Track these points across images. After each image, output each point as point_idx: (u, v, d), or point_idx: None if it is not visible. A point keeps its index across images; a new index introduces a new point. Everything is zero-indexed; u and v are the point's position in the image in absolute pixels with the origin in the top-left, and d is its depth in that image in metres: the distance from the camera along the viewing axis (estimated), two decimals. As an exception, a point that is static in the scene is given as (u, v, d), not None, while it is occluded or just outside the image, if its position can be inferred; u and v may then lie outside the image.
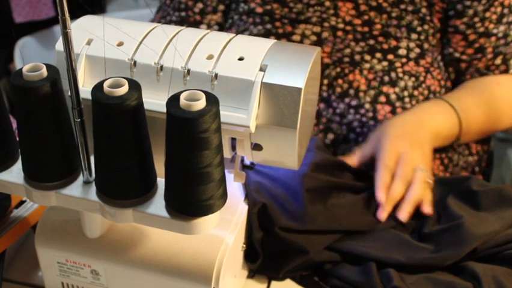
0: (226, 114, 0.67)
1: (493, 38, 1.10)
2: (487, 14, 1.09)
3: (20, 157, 0.68)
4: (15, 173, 0.68)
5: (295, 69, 0.68)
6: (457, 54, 1.12)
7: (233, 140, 0.72)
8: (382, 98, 1.08)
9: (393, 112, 1.08)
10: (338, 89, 1.09)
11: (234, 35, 0.73)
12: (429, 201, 0.90)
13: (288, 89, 0.67)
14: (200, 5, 1.19)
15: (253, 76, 0.68)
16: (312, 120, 0.80)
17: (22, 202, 0.87)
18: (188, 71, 0.69)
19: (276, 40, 0.73)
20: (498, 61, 1.11)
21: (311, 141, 0.93)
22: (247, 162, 0.79)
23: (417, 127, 1.00)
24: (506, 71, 1.11)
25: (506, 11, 1.09)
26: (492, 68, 1.11)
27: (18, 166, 0.69)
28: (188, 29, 0.74)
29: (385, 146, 0.94)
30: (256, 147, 0.71)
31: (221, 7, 1.19)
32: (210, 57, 0.70)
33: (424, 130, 1.00)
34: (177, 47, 0.70)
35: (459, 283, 0.80)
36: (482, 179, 1.22)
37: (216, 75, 0.68)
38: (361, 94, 1.08)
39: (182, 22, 1.21)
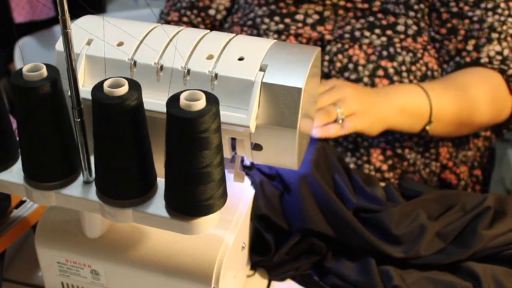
0: (226, 114, 0.67)
1: (467, 21, 1.09)
2: None
3: (20, 157, 0.68)
4: (15, 173, 0.68)
5: (295, 69, 0.68)
6: (432, 33, 1.13)
7: (233, 140, 0.72)
8: (380, 72, 1.09)
9: None
10: (338, 64, 1.11)
11: (234, 35, 0.73)
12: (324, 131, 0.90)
13: (288, 89, 0.67)
14: None
15: (253, 76, 0.68)
16: (312, 120, 0.80)
17: (22, 202, 0.87)
18: (189, 71, 0.69)
19: (276, 40, 0.73)
20: (470, 47, 1.09)
21: (311, 141, 0.93)
22: (247, 162, 0.80)
23: (378, 95, 0.99)
24: (477, 60, 1.08)
25: None
26: (463, 53, 1.09)
27: (18, 166, 0.69)
28: (188, 29, 0.74)
29: (334, 88, 0.94)
30: (256, 147, 0.71)
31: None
32: (210, 57, 0.70)
33: (384, 99, 0.98)
34: (177, 47, 0.70)
35: (459, 283, 0.80)
36: (481, 174, 1.22)
37: (216, 75, 0.68)
38: (360, 68, 1.09)
39: (192, 7, 1.24)
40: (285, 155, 0.71)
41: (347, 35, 1.12)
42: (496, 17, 1.08)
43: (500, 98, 1.08)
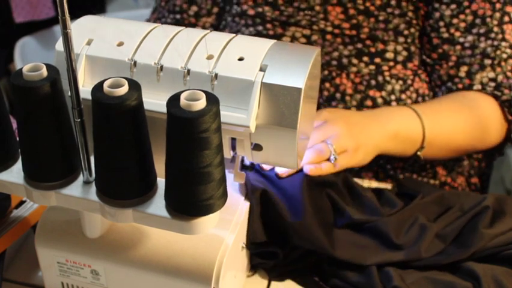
0: (226, 114, 0.67)
1: (458, 47, 1.06)
2: (454, 21, 1.05)
3: (20, 157, 0.68)
4: (15, 173, 0.68)
5: (295, 69, 0.68)
6: (424, 57, 1.10)
7: (233, 140, 0.72)
8: (368, 102, 1.07)
9: None
10: (325, 93, 1.09)
11: (234, 35, 0.73)
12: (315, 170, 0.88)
13: (288, 89, 0.67)
14: (195, 8, 1.20)
15: (253, 76, 0.68)
16: (312, 120, 0.80)
17: (22, 202, 0.87)
18: (188, 71, 0.69)
19: (275, 40, 0.73)
20: (462, 73, 1.06)
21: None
22: (247, 162, 0.79)
23: (371, 121, 0.97)
24: (470, 86, 1.06)
25: (478, 21, 1.04)
26: (455, 80, 1.07)
27: (18, 166, 0.69)
28: (188, 29, 0.74)
29: (327, 124, 0.92)
30: (256, 147, 0.71)
31: (215, 9, 1.20)
32: (210, 57, 0.70)
33: (377, 123, 0.96)
34: (177, 47, 0.70)
35: (459, 283, 0.80)
36: (479, 181, 1.22)
37: (216, 75, 0.68)
38: (347, 98, 1.08)
39: (177, 24, 1.21)
40: (285, 155, 0.71)
41: (334, 62, 1.09)
42: (489, 42, 1.05)
43: (497, 124, 1.06)
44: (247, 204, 0.81)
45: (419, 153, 1.01)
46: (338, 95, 1.08)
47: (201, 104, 0.58)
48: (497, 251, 0.83)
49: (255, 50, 0.70)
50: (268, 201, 0.82)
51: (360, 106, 1.07)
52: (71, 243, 0.76)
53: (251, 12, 1.14)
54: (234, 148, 0.73)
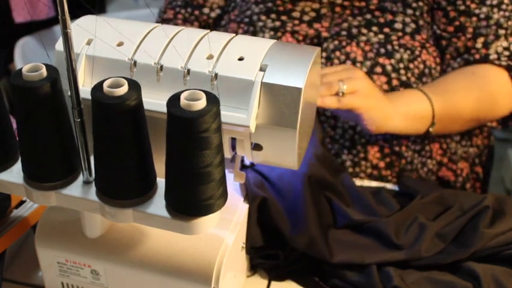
0: (226, 114, 0.67)
1: (474, 18, 1.10)
2: None
3: (20, 157, 0.68)
4: (15, 173, 0.68)
5: (295, 69, 0.68)
6: (438, 32, 1.13)
7: (233, 140, 0.72)
8: (378, 69, 1.09)
9: (389, 83, 1.09)
10: (336, 61, 1.11)
11: (234, 35, 0.73)
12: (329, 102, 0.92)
13: (288, 89, 0.67)
14: None
15: (253, 76, 0.68)
16: (312, 120, 0.80)
17: (22, 202, 0.87)
18: (188, 71, 0.69)
19: (276, 40, 0.73)
20: (478, 44, 1.11)
21: (310, 141, 0.93)
22: (247, 162, 0.79)
23: (385, 96, 1.01)
24: (486, 56, 1.10)
25: None
26: (472, 51, 1.11)
27: (18, 166, 0.69)
28: (188, 29, 0.74)
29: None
30: (256, 147, 0.71)
31: None
32: (210, 57, 0.70)
33: (389, 101, 1.00)
34: (177, 47, 0.70)
35: (459, 283, 0.80)
36: (482, 172, 1.23)
37: (216, 75, 0.68)
38: (358, 65, 1.10)
39: (186, 5, 1.25)
40: (285, 155, 0.71)
41: (343, 32, 1.12)
42: (501, 13, 1.10)
43: (506, 94, 1.10)
44: (247, 205, 0.81)
45: (430, 129, 1.05)
46: (348, 63, 1.10)
47: (201, 104, 0.58)
48: (497, 251, 0.83)
49: (255, 49, 0.70)
50: (268, 210, 0.83)
51: (370, 73, 1.09)
52: (71, 243, 0.76)
53: None
54: (234, 148, 0.73)
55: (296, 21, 1.14)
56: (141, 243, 0.74)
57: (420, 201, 0.91)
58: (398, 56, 1.10)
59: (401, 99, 1.03)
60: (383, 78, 1.09)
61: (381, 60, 1.10)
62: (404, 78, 1.10)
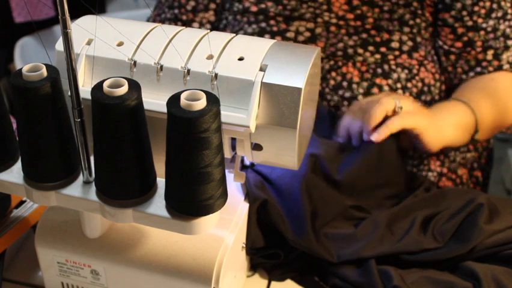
0: (226, 114, 0.67)
1: (482, 32, 1.11)
2: (475, 8, 1.10)
3: (20, 157, 0.68)
4: (15, 173, 0.68)
5: (295, 69, 0.68)
6: (446, 47, 1.13)
7: (233, 140, 0.72)
8: (375, 90, 1.09)
9: None
10: (332, 82, 1.10)
11: (234, 35, 0.73)
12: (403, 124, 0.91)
13: (288, 89, 0.67)
14: (192, 3, 1.21)
15: (253, 76, 0.68)
16: (312, 120, 0.80)
17: (22, 202, 0.87)
18: (189, 71, 0.69)
19: (275, 40, 0.73)
20: (489, 56, 1.11)
21: (311, 141, 0.93)
22: (247, 162, 0.79)
23: (431, 111, 1.01)
24: (499, 67, 1.12)
25: (495, 5, 1.10)
26: (484, 64, 1.12)
27: (18, 166, 0.69)
28: (188, 29, 0.74)
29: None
30: (256, 147, 0.71)
31: (212, 5, 1.21)
32: (210, 57, 0.70)
33: (438, 115, 1.01)
34: (177, 47, 0.70)
35: (459, 283, 0.80)
36: (481, 176, 1.22)
37: (216, 75, 0.68)
38: (354, 86, 1.09)
39: (175, 20, 1.23)
40: (285, 155, 0.71)
41: (339, 53, 1.11)
42: (507, 23, 1.11)
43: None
44: (247, 205, 0.81)
45: (476, 137, 1.07)
46: (344, 84, 1.09)
47: (201, 104, 0.58)
48: (497, 250, 0.83)
49: (255, 49, 0.70)
50: (268, 211, 0.83)
51: (367, 94, 1.09)
52: (71, 243, 0.76)
53: (254, 8, 1.14)
54: (234, 148, 0.73)
55: (291, 42, 1.12)
56: (141, 243, 0.74)
57: (413, 200, 0.91)
58: (395, 76, 1.09)
59: (446, 111, 1.04)
60: None
61: (378, 80, 1.09)
62: None
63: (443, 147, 1.01)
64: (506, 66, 1.12)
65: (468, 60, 1.12)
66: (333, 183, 0.89)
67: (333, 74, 1.10)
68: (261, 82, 0.68)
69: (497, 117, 1.10)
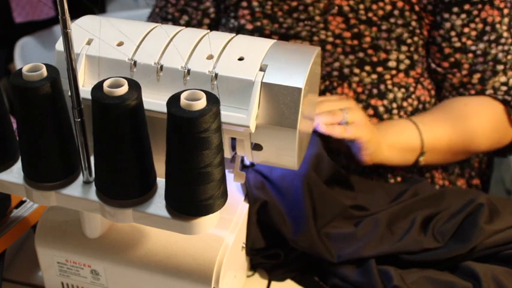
0: (226, 114, 0.67)
1: (470, 55, 1.06)
2: (466, 30, 1.05)
3: (20, 157, 0.68)
4: (15, 173, 0.68)
5: (295, 69, 0.68)
6: (433, 65, 1.10)
7: (233, 140, 0.72)
8: (370, 111, 1.07)
9: None
10: None
11: (234, 35, 0.73)
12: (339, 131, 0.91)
13: (288, 89, 0.67)
14: (186, 17, 1.19)
15: (253, 76, 0.68)
16: (312, 120, 0.80)
17: (22, 202, 0.87)
18: (189, 71, 0.69)
19: (275, 40, 0.73)
20: (475, 80, 1.07)
21: (311, 141, 0.93)
22: (247, 162, 0.79)
23: (376, 130, 0.99)
24: (482, 91, 1.07)
25: (488, 28, 1.05)
26: (468, 86, 1.08)
27: (18, 166, 0.69)
28: (188, 29, 0.74)
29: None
30: (256, 147, 0.71)
31: (206, 21, 1.19)
32: (210, 57, 0.70)
33: (380, 134, 0.99)
34: (177, 47, 0.70)
35: (459, 283, 0.80)
36: (480, 182, 1.22)
37: (216, 75, 0.68)
38: None
39: None
40: (285, 155, 0.71)
41: (335, 73, 1.08)
42: (500, 47, 1.06)
43: (500, 128, 1.08)
44: (247, 205, 0.81)
45: (420, 159, 1.03)
46: None
47: (201, 104, 0.58)
48: (497, 250, 0.83)
49: (255, 49, 0.70)
50: (269, 212, 0.83)
51: None
52: (71, 243, 0.76)
53: (249, 26, 1.12)
54: (234, 148, 0.73)
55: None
56: (141, 243, 0.74)
57: (411, 200, 0.91)
58: (391, 95, 1.08)
59: (391, 130, 1.01)
60: (375, 120, 1.07)
61: (373, 101, 1.07)
62: (396, 117, 1.08)
63: (378, 163, 0.99)
64: (489, 91, 1.07)
65: (452, 83, 1.09)
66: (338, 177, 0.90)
67: (328, 95, 1.08)
68: (261, 82, 0.68)
69: (458, 141, 1.05)
